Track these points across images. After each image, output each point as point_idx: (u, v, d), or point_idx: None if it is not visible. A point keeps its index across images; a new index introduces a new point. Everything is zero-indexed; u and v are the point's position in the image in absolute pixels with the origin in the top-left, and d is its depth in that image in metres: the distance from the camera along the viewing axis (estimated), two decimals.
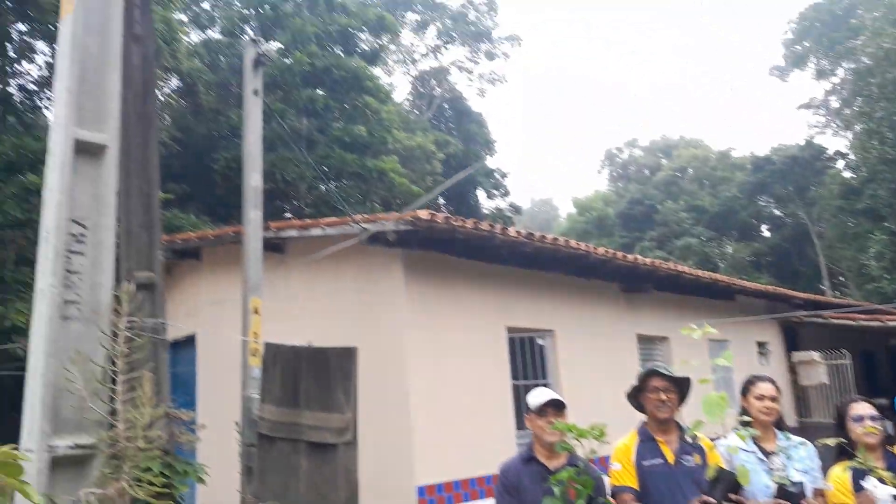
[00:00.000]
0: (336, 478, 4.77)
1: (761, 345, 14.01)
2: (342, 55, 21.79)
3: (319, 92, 20.93)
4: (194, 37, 22.49)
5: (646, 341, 10.68)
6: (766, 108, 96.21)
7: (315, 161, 19.98)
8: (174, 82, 20.74)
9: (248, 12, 22.03)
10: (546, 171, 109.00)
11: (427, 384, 7.05)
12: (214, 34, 23.06)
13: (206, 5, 23.01)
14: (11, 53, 18.19)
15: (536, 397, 3.54)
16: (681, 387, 3.59)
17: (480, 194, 32.38)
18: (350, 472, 4.76)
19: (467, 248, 7.46)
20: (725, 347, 11.82)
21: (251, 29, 21.87)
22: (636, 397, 3.72)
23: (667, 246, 38.87)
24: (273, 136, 17.05)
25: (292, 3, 22.38)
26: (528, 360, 8.57)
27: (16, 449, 4.44)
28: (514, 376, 8.23)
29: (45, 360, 3.89)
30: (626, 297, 10.40)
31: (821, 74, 37.57)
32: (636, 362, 10.21)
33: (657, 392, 3.56)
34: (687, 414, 3.58)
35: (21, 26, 17.25)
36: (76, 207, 3.81)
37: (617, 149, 51.75)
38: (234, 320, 6.44)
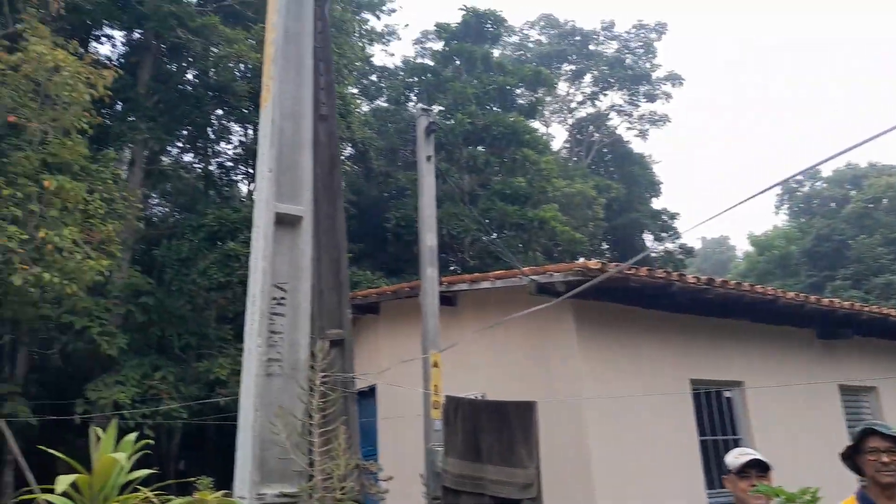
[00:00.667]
0: None
1: None
2: (500, 112, 22.40)
3: (480, 149, 21.60)
4: (364, 107, 24.25)
5: (849, 392, 9.61)
6: None
7: (478, 214, 20.50)
8: (348, 150, 22.38)
9: (411, 80, 23.41)
10: (719, 208, 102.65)
11: (606, 439, 6.82)
12: (382, 103, 24.71)
13: (374, 77, 24.76)
14: (211, 136, 20.69)
15: (736, 457, 3.30)
16: None
17: (648, 238, 31.31)
18: None
19: (642, 296, 7.21)
20: None
21: (415, 95, 23.21)
22: (852, 458, 3.33)
23: (863, 285, 35.00)
24: (439, 193, 17.78)
25: (452, 68, 23.49)
26: (715, 414, 8.03)
27: (228, 495, 4.84)
28: (701, 432, 7.74)
29: (254, 413, 4.28)
30: (822, 344, 9.46)
31: None
32: (839, 416, 9.20)
33: (878, 453, 3.16)
34: None
35: (219, 111, 19.57)
36: (277, 273, 4.22)
37: (796, 182, 47.91)
38: (412, 372, 6.68)
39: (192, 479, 6.73)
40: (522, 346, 7.77)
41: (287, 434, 4.33)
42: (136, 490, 3.74)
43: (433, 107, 15.85)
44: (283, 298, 4.34)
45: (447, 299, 8.72)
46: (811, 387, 8.86)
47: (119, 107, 16.35)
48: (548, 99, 31.45)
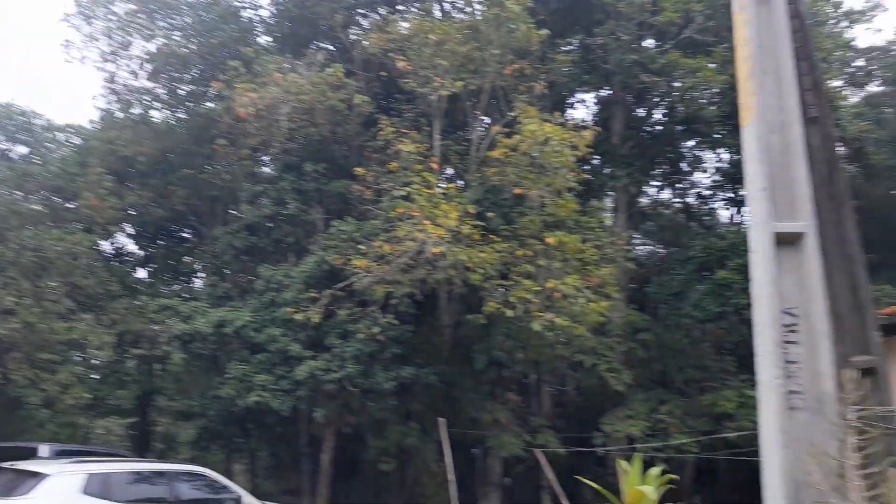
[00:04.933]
0: None
1: None
2: None
3: None
4: (853, 98, 21.22)
5: None
6: None
7: None
8: (840, 151, 19.79)
9: None
10: None
11: None
12: (874, 88, 21.27)
13: (860, 62, 21.57)
14: (685, 168, 20.80)
15: None
16: None
17: None
18: None
19: None
20: None
21: None
22: None
23: None
24: None
25: None
26: None
27: None
28: None
29: (779, 451, 3.98)
30: None
31: None
32: None
33: None
34: None
35: (690, 143, 19.60)
36: (784, 298, 3.91)
37: None
38: None
39: None
40: None
41: (823, 475, 3.90)
42: None
43: None
44: (794, 325, 4.00)
45: None
46: None
47: (597, 160, 17.82)
48: None
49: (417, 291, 13.23)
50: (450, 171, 16.23)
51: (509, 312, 12.57)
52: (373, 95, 15.77)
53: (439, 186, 14.11)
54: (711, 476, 17.24)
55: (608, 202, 18.93)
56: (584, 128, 14.68)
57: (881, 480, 3.86)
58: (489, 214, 13.62)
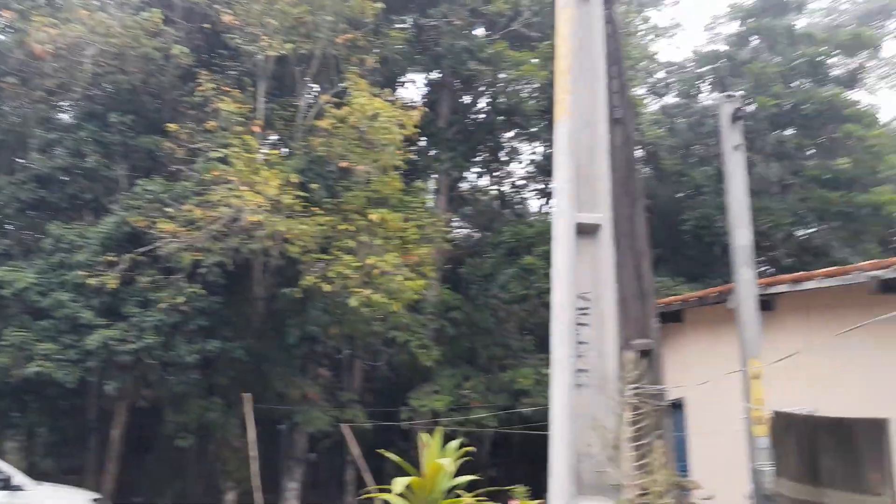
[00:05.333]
0: None
1: None
2: (812, 87, 19.90)
3: (788, 132, 19.42)
4: (652, 106, 23.44)
5: None
6: None
7: (791, 206, 18.39)
8: (638, 152, 21.81)
9: (702, 69, 22.03)
10: None
11: None
12: (670, 99, 23.65)
13: (660, 74, 23.84)
14: (503, 158, 21.82)
15: None
16: None
17: None
18: None
19: None
20: None
21: (707, 86, 21.77)
22: None
23: None
24: None
25: (749, 50, 21.57)
26: None
27: None
28: None
29: (565, 425, 4.31)
30: None
31: None
32: None
33: None
34: None
35: (509, 133, 20.58)
36: (579, 283, 4.23)
37: None
38: (724, 384, 6.14)
39: (504, 487, 7.02)
40: (861, 354, 6.69)
41: (600, 447, 4.28)
42: (459, 495, 4.03)
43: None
44: (587, 308, 4.33)
45: (763, 303, 7.88)
46: None
47: (424, 142, 18.10)
48: (871, 64, 27.07)
49: (229, 261, 12.63)
50: (274, 136, 15.60)
51: (327, 287, 12.43)
52: (193, 48, 14.66)
53: (261, 152, 13.52)
54: (507, 449, 18.39)
55: (431, 184, 19.35)
56: (413, 108, 14.83)
57: (649, 451, 4.28)
58: (313, 186, 13.31)
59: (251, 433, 12.08)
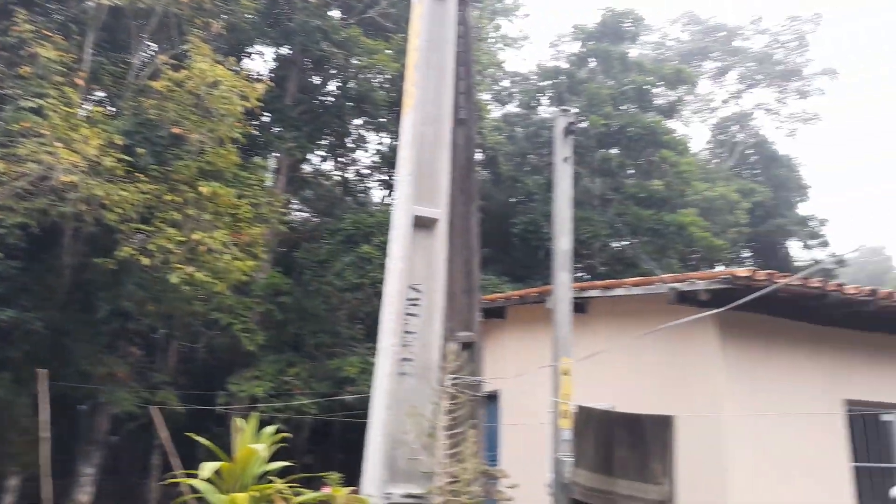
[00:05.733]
0: None
1: None
2: (637, 112, 21.74)
3: (614, 151, 21.07)
4: (495, 112, 24.38)
5: None
6: None
7: (609, 219, 19.97)
8: (478, 155, 22.60)
9: (544, 83, 23.26)
10: (876, 215, 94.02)
11: (746, 460, 6.38)
12: (512, 108, 24.74)
13: (505, 83, 24.85)
14: (350, 144, 21.64)
15: None
16: None
17: (794, 245, 29.19)
18: None
19: (793, 308, 6.70)
20: None
21: (547, 99, 23.05)
22: None
23: None
24: None
25: (587, 70, 23.10)
26: (871, 439, 7.30)
27: (356, 492, 4.97)
28: (855, 458, 7.06)
29: (385, 412, 4.37)
30: None
31: None
32: None
33: None
34: None
35: (358, 121, 20.43)
36: (413, 275, 4.31)
37: None
38: (538, 379, 6.57)
39: (319, 473, 7.01)
40: (657, 357, 7.44)
41: (417, 434, 4.38)
42: (271, 481, 3.94)
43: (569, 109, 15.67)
44: (417, 299, 4.42)
45: (577, 306, 8.49)
46: None
47: (267, 118, 17.45)
48: (688, 98, 30.14)
49: (34, 223, 11.36)
50: (100, 93, 14.25)
51: (145, 261, 11.60)
52: None
53: (82, 107, 12.30)
54: (326, 436, 18.29)
55: (271, 162, 18.70)
56: (259, 81, 14.24)
57: (462, 440, 4.44)
58: (139, 150, 12.32)
59: (44, 413, 10.98)
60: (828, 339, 7.22)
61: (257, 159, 16.15)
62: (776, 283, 6.02)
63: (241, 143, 13.59)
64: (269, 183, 17.53)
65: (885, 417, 7.58)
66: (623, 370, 7.88)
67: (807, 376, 7.03)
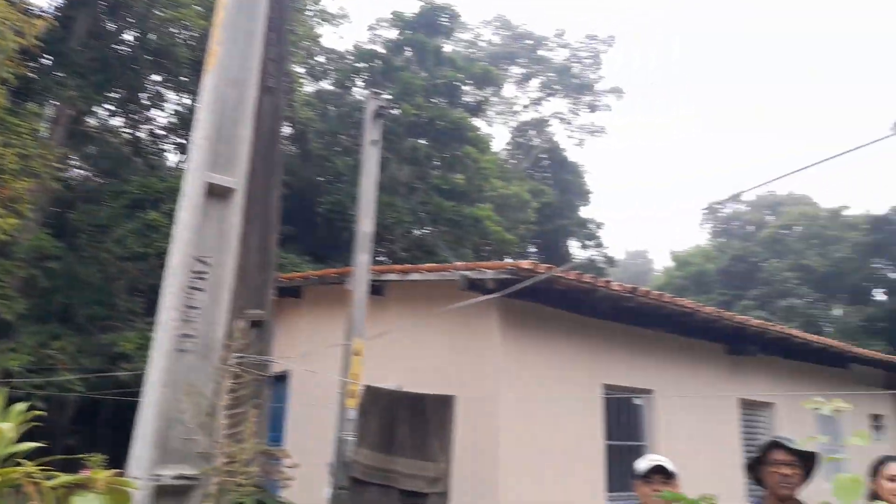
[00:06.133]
0: None
1: (876, 418, 12.92)
2: (447, 107, 22.42)
3: (422, 141, 21.57)
4: (308, 87, 23.78)
5: (749, 407, 10.09)
6: (884, 167, 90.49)
7: (413, 207, 20.45)
8: (287, 129, 21.93)
9: (360, 65, 23.13)
10: (643, 222, 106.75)
11: (517, 438, 6.92)
12: (326, 85, 24.31)
13: (321, 58, 24.32)
14: (145, 101, 19.85)
15: (644, 462, 3.39)
16: (807, 462, 3.32)
17: (573, 244, 32.08)
18: None
19: (566, 299, 7.35)
20: (838, 420, 10.98)
21: (362, 81, 22.96)
22: (754, 469, 3.46)
23: (769, 306, 36.91)
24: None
25: (403, 58, 23.33)
26: (623, 420, 8.27)
27: (122, 475, 4.64)
28: (609, 436, 7.95)
29: (160, 390, 4.09)
30: (730, 360, 9.90)
31: None
32: (737, 429, 9.65)
33: (780, 466, 3.29)
34: (813, 494, 3.31)
35: (156, 77, 18.79)
36: (201, 246, 4.04)
37: (720, 203, 50.18)
38: (330, 360, 6.58)
39: (83, 455, 6.42)
40: (445, 341, 7.79)
41: (193, 414, 4.17)
42: (20, 463, 3.53)
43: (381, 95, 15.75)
44: (204, 273, 4.16)
45: (374, 289, 8.62)
46: (715, 399, 9.26)
47: (48, 61, 15.46)
48: (494, 99, 31.70)
49: None
50: None
51: None
52: None
53: None
54: (94, 415, 16.76)
55: (48, 111, 16.60)
56: (40, 17, 12.57)
57: (244, 420, 4.31)
58: None
59: None
60: (594, 330, 8.03)
61: (31, 105, 14.27)
62: (555, 275, 6.58)
63: (13, 84, 11.91)
64: (43, 133, 15.56)
65: (636, 401, 8.63)
66: (414, 354, 8.14)
67: (574, 362, 7.76)
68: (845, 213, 43.07)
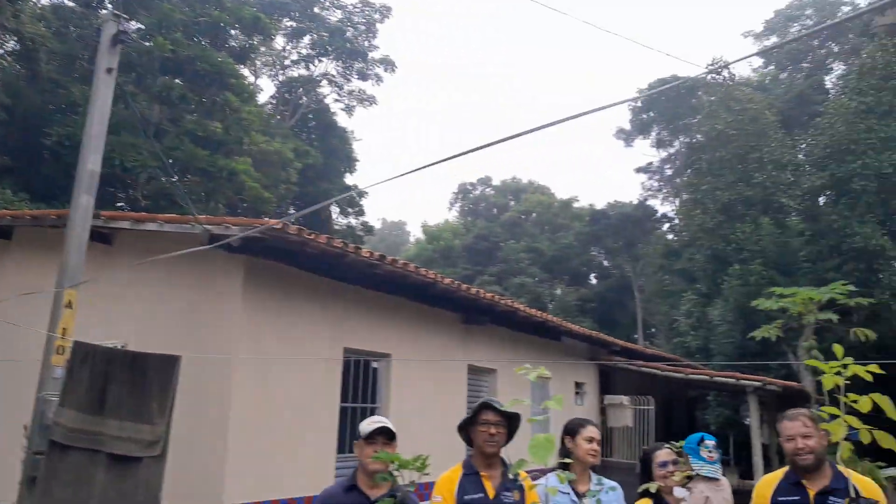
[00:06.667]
0: (136, 493, 4.40)
1: (579, 385, 14.88)
2: (209, 48, 20.84)
3: (177, 81, 19.83)
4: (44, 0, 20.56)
5: (475, 373, 10.98)
6: (609, 166, 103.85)
7: (161, 152, 18.81)
8: (11, 44, 18.79)
9: None
10: (402, 196, 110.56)
11: (251, 400, 6.75)
12: (67, 1, 21.23)
13: None
14: None
15: (368, 424, 3.48)
16: (511, 423, 3.65)
17: (334, 210, 32.10)
18: (152, 488, 4.41)
19: (315, 262, 7.30)
20: (547, 386, 12.43)
21: (112, 3, 20.36)
22: (466, 430, 3.73)
23: (504, 282, 40.62)
24: (118, 118, 15.80)
25: None
26: (360, 382, 8.49)
27: None
28: (344, 398, 8.11)
29: None
30: (464, 329, 10.65)
31: (660, 143, 41.48)
32: (463, 393, 10.44)
33: (488, 426, 3.58)
34: (513, 451, 3.65)
35: None
36: None
37: (471, 184, 53.60)
38: (44, 312, 5.81)
39: None
40: (183, 299, 7.30)
41: None
42: None
43: (132, 23, 14.09)
44: None
45: (103, 236, 7.79)
46: (448, 365, 9.92)
47: None
48: (262, 49, 30.20)
49: None
50: None
51: None
52: None
53: None
54: None
55: None
56: None
57: None
58: None
59: None
60: (340, 294, 8.09)
61: None
62: (305, 238, 6.47)
63: None
64: None
65: (374, 364, 8.90)
66: (145, 311, 7.52)
67: (318, 325, 7.75)
68: (575, 204, 48.73)
